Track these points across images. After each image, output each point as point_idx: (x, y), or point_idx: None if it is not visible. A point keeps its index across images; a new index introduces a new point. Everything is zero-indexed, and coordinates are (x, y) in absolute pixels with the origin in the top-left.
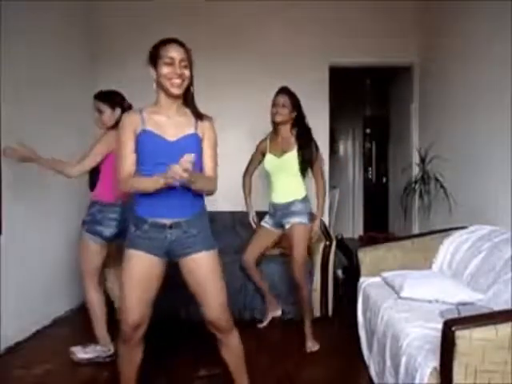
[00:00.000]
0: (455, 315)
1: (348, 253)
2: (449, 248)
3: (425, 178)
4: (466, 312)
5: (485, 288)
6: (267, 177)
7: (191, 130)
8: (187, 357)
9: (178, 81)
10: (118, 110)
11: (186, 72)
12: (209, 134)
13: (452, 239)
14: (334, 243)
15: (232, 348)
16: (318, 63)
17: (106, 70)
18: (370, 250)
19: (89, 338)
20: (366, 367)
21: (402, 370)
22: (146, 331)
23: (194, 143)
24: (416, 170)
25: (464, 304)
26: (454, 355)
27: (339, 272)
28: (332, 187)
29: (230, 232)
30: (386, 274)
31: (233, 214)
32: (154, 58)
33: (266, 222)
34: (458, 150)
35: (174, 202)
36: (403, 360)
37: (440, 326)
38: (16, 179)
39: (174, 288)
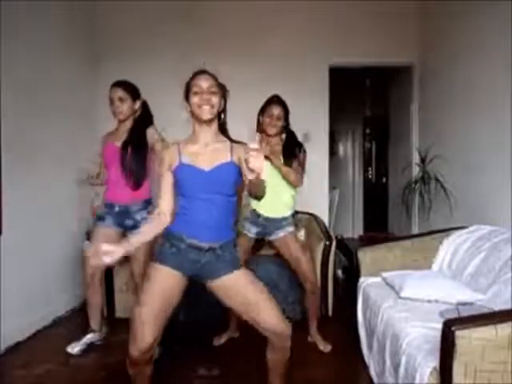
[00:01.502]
0: (455, 315)
1: (348, 253)
2: (449, 248)
3: (425, 178)
4: (465, 312)
5: (485, 288)
6: None
7: (227, 158)
8: (187, 357)
9: (206, 107)
10: (138, 103)
11: (214, 98)
12: (242, 154)
13: (452, 239)
14: (334, 243)
15: (282, 350)
16: (318, 63)
17: (107, 71)
18: (369, 249)
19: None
20: (365, 367)
21: (401, 369)
22: None
23: (229, 171)
24: (416, 170)
25: (464, 304)
26: (453, 355)
27: (339, 272)
28: (332, 187)
29: None
30: (385, 274)
31: None
32: (187, 92)
33: (249, 231)
34: (458, 149)
35: (212, 225)
36: (403, 360)
37: (440, 326)
38: (16, 179)
39: None
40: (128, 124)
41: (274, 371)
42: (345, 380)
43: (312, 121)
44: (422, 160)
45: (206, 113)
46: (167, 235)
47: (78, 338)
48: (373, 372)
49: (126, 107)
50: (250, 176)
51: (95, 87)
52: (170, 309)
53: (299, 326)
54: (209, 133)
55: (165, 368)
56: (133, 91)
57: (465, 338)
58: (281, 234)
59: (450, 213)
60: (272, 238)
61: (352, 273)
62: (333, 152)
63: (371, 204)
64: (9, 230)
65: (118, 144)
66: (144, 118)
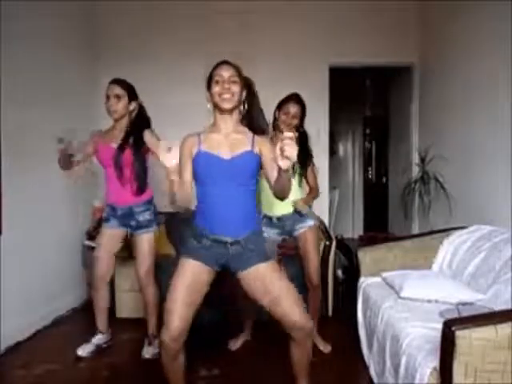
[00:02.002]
0: (455, 315)
1: (348, 253)
2: (449, 248)
3: (425, 178)
4: (465, 312)
5: (485, 288)
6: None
7: (247, 148)
8: (187, 357)
9: (227, 95)
10: (134, 104)
11: (234, 87)
12: (265, 148)
13: (452, 239)
14: (334, 243)
15: (305, 347)
16: (318, 63)
17: (107, 70)
18: (370, 250)
19: (89, 337)
20: (366, 367)
21: (401, 369)
22: (144, 331)
23: (250, 160)
24: (416, 170)
25: (464, 304)
26: (454, 355)
27: (339, 272)
28: (332, 187)
29: None
30: (385, 274)
31: None
32: (209, 82)
33: (268, 234)
34: (458, 150)
35: (233, 218)
36: (403, 360)
37: (440, 326)
38: (16, 179)
39: None
40: (123, 124)
41: (299, 373)
42: (345, 380)
43: (312, 121)
44: (422, 160)
45: (227, 101)
46: (192, 230)
47: (85, 340)
48: (373, 372)
49: (121, 106)
50: (283, 165)
51: (95, 87)
52: (197, 300)
53: None
54: (230, 122)
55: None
56: (130, 91)
57: (465, 338)
58: (301, 229)
59: (450, 213)
60: (295, 234)
61: (352, 273)
62: (333, 152)
63: (371, 204)
64: (9, 230)
65: (115, 145)
66: (141, 121)
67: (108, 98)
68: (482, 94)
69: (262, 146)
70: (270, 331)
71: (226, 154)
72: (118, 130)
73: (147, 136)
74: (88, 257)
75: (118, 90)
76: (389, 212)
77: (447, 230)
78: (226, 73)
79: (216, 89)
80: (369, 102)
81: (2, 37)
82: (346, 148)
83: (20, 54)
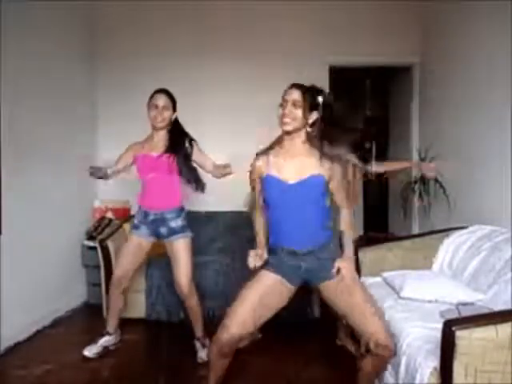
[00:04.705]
0: (455, 315)
1: None
2: (449, 248)
3: (424, 178)
4: (466, 312)
5: (485, 288)
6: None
7: (314, 171)
8: (187, 357)
9: (286, 119)
10: (175, 114)
11: (296, 112)
12: (337, 175)
13: (452, 239)
14: None
15: (379, 363)
16: (318, 63)
17: (106, 71)
18: (370, 249)
19: (89, 337)
20: None
21: (402, 370)
22: (144, 331)
23: (316, 184)
24: (416, 170)
25: (464, 304)
26: (454, 355)
27: None
28: None
29: (230, 232)
30: (386, 274)
31: (233, 214)
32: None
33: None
34: (458, 149)
35: (301, 233)
36: (403, 360)
37: (440, 325)
38: (16, 179)
39: (173, 290)
40: (162, 134)
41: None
42: (345, 380)
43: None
44: (422, 160)
45: (285, 125)
46: (270, 248)
47: (85, 340)
48: None
49: (168, 115)
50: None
51: (95, 88)
52: (265, 312)
53: (298, 328)
54: (296, 145)
55: (164, 368)
56: (174, 102)
57: (465, 338)
58: None
59: (450, 213)
60: None
61: None
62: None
63: (371, 204)
64: (9, 230)
65: (155, 154)
66: (179, 131)
67: (156, 106)
68: (481, 93)
69: (334, 171)
70: (270, 332)
71: (291, 177)
72: (156, 140)
73: (195, 149)
74: (88, 257)
75: (166, 100)
76: (389, 212)
77: (447, 230)
78: (289, 96)
79: (280, 111)
80: (369, 102)
81: (2, 37)
82: None
83: (19, 54)
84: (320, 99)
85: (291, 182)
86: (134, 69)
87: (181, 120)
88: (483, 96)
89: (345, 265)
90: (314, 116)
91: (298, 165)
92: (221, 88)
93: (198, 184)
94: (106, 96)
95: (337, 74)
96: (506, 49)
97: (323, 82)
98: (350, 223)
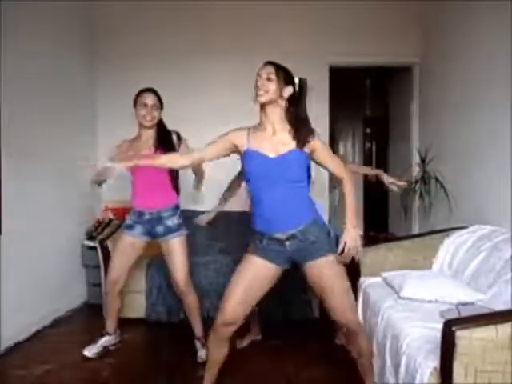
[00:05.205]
0: (455, 315)
1: None
2: (449, 248)
3: (425, 178)
4: (466, 312)
5: (485, 288)
6: None
7: (292, 146)
8: (187, 357)
9: (260, 91)
10: (160, 114)
11: (269, 84)
12: (318, 147)
13: (452, 239)
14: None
15: (361, 349)
16: (318, 63)
17: (106, 71)
18: (370, 249)
19: (89, 337)
20: None
21: (402, 369)
22: (144, 331)
23: (295, 158)
24: (416, 170)
25: (464, 304)
26: (454, 355)
27: None
28: (332, 187)
29: (230, 232)
30: (386, 274)
31: (234, 214)
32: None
33: None
34: (458, 150)
35: (282, 215)
36: (403, 360)
37: (440, 325)
38: (16, 179)
39: (173, 290)
40: (151, 132)
41: (364, 375)
42: (345, 380)
43: (312, 120)
44: (422, 160)
45: (259, 96)
46: (254, 233)
47: (86, 340)
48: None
49: (157, 114)
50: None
51: (95, 88)
52: (254, 294)
53: (298, 328)
54: (273, 120)
55: (164, 368)
56: (161, 101)
57: (465, 338)
58: None
59: (450, 213)
60: None
61: (352, 273)
62: (333, 152)
63: (371, 204)
64: (9, 230)
65: (144, 152)
66: (165, 129)
67: (145, 105)
68: (481, 93)
69: (312, 143)
70: (270, 332)
71: (271, 151)
72: (145, 138)
73: (183, 145)
74: (88, 257)
75: (154, 99)
76: (389, 212)
77: (447, 230)
78: (264, 71)
79: (255, 85)
80: (369, 102)
81: (2, 37)
82: (346, 148)
83: (20, 54)
84: (296, 79)
85: (272, 155)
86: (133, 69)
87: (180, 119)
88: (483, 96)
89: (346, 239)
90: (289, 90)
91: (276, 140)
92: (221, 88)
93: (175, 186)
94: (105, 96)
95: (337, 74)
96: (506, 49)
97: (323, 82)
98: (351, 192)
